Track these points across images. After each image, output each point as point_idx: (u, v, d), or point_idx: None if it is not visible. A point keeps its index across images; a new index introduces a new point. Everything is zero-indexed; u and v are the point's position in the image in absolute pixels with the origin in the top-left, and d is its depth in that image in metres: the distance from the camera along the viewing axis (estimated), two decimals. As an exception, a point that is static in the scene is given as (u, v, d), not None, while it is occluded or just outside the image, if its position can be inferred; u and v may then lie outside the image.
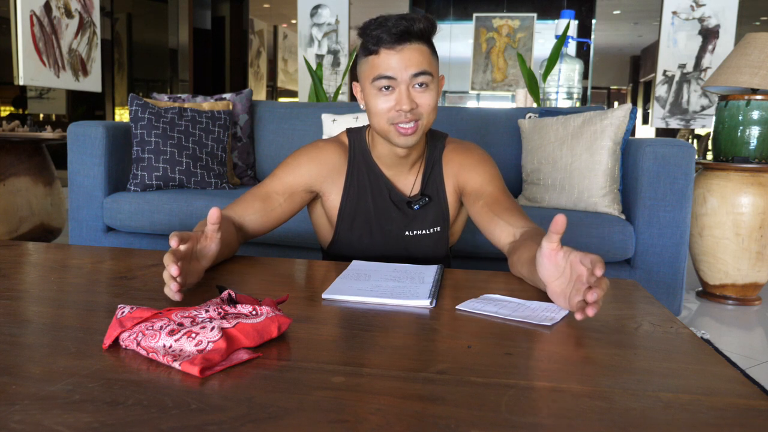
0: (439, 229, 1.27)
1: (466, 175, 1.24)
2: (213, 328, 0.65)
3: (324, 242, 1.35)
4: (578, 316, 0.77)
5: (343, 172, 1.25)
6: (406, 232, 1.26)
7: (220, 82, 8.15)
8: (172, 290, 0.81)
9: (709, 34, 4.64)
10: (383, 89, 1.09)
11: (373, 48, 1.09)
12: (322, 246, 1.39)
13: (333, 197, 1.26)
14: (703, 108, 4.70)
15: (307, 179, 1.22)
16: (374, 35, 1.08)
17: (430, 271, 1.04)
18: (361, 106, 1.18)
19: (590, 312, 0.74)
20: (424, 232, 1.26)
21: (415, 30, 1.07)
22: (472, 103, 9.53)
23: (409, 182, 1.26)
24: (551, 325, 0.80)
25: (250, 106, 2.66)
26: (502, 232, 1.13)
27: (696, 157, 2.57)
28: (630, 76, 12.37)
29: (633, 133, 2.59)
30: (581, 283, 0.79)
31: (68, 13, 3.73)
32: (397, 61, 1.07)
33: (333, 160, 1.24)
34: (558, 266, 0.84)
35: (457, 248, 1.94)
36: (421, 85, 1.09)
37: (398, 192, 1.26)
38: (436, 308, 0.86)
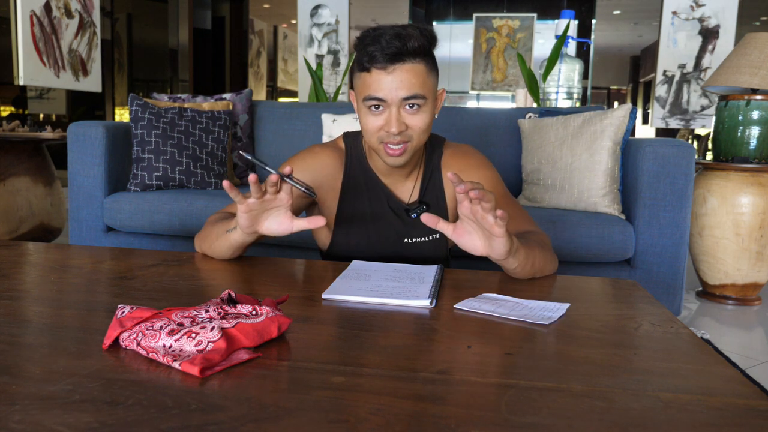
0: (438, 236, 1.26)
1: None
2: (213, 328, 0.65)
3: (322, 246, 1.35)
4: (498, 230, 0.90)
5: (339, 178, 1.23)
6: (405, 239, 1.25)
7: (220, 82, 8.16)
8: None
9: (709, 34, 4.64)
10: (373, 108, 1.08)
11: (365, 65, 1.06)
12: (320, 249, 1.38)
13: (329, 204, 1.24)
14: (703, 108, 4.70)
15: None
16: (368, 52, 1.05)
17: (430, 271, 1.04)
18: (355, 116, 1.17)
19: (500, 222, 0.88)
20: (423, 239, 1.25)
21: (409, 49, 1.03)
22: (472, 103, 9.53)
23: (407, 189, 1.25)
24: (548, 324, 0.80)
25: (250, 106, 2.66)
26: None
27: (696, 157, 2.57)
28: (630, 76, 12.36)
29: (633, 133, 2.58)
30: (479, 213, 0.90)
31: (68, 13, 3.73)
32: (388, 83, 1.05)
33: (328, 166, 1.23)
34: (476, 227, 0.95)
35: (456, 248, 1.94)
36: (412, 106, 1.07)
37: (396, 199, 1.24)
38: (436, 308, 0.86)
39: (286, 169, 0.95)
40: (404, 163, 1.14)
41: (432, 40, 1.07)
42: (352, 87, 1.18)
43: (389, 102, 1.06)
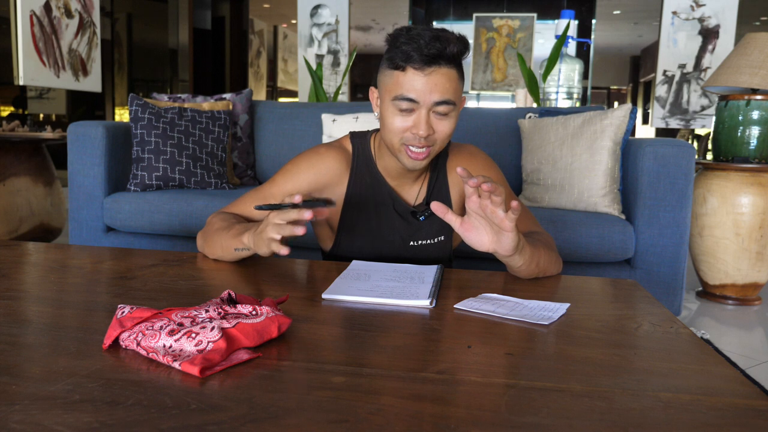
0: (443, 238, 1.26)
1: None
2: (213, 328, 0.65)
3: (325, 247, 1.34)
4: (508, 224, 0.92)
5: (344, 180, 1.22)
6: (411, 242, 1.24)
7: (220, 82, 8.16)
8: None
9: (709, 34, 4.64)
10: (403, 109, 1.06)
11: (400, 64, 1.04)
12: (323, 249, 1.38)
13: None
14: (703, 108, 4.70)
15: (306, 186, 1.20)
16: (404, 50, 1.02)
17: (430, 271, 1.04)
18: (375, 114, 1.14)
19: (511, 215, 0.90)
20: (428, 241, 1.25)
21: (447, 53, 1.02)
22: (472, 103, 9.53)
23: (413, 192, 1.24)
24: (548, 324, 0.80)
25: (250, 106, 2.66)
26: None
27: (696, 157, 2.57)
28: (630, 76, 12.37)
29: (633, 133, 2.59)
30: (489, 208, 0.92)
31: (68, 13, 3.73)
32: (422, 85, 1.03)
33: (334, 167, 1.21)
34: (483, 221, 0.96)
35: (457, 248, 1.94)
36: (441, 111, 1.05)
37: (402, 202, 1.23)
38: (436, 308, 0.86)
39: (296, 198, 0.92)
40: (423, 167, 1.13)
41: (466, 49, 1.06)
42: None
43: (421, 104, 1.04)
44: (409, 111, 1.06)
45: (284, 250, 0.91)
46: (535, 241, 1.06)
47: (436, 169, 1.25)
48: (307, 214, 0.89)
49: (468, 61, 6.95)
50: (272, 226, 0.92)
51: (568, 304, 0.89)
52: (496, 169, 1.25)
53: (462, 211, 1.28)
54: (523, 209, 1.21)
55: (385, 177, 1.23)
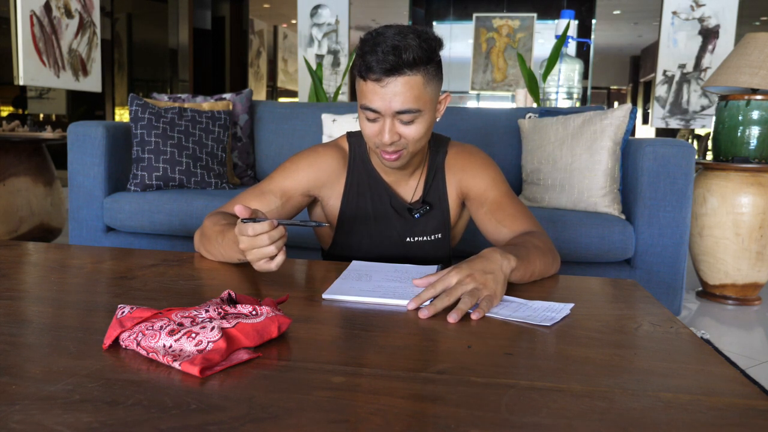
0: (440, 236, 1.26)
1: (470, 180, 1.23)
2: (213, 328, 0.65)
3: (324, 245, 1.35)
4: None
5: (342, 177, 1.24)
6: (407, 239, 1.25)
7: (220, 82, 8.16)
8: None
9: (709, 34, 4.64)
10: (369, 117, 1.08)
11: (362, 74, 1.05)
12: (322, 247, 1.38)
13: (332, 202, 1.25)
14: (703, 108, 4.70)
15: (305, 184, 1.21)
16: (366, 60, 1.03)
17: (430, 272, 1.04)
18: (357, 115, 1.17)
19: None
20: (425, 238, 1.26)
21: (404, 62, 1.00)
22: (472, 103, 9.53)
23: (410, 188, 1.25)
24: (551, 325, 0.80)
25: (250, 106, 2.66)
26: (506, 239, 1.14)
27: (696, 157, 2.58)
28: (630, 76, 12.37)
29: (633, 133, 2.59)
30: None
31: (68, 13, 3.73)
32: (381, 96, 1.03)
33: (332, 165, 1.23)
34: None
35: (457, 248, 1.94)
36: (405, 118, 1.06)
37: (399, 198, 1.25)
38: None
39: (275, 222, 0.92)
40: (401, 166, 1.15)
41: (432, 52, 1.05)
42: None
43: (383, 113, 1.05)
44: (374, 119, 1.07)
45: (274, 265, 0.92)
46: (529, 253, 1.02)
47: (434, 166, 1.25)
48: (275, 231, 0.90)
49: (468, 61, 6.95)
50: (250, 253, 0.92)
51: (572, 304, 0.88)
52: (494, 168, 1.25)
53: (459, 209, 1.29)
54: (520, 207, 1.21)
55: (382, 174, 1.24)
